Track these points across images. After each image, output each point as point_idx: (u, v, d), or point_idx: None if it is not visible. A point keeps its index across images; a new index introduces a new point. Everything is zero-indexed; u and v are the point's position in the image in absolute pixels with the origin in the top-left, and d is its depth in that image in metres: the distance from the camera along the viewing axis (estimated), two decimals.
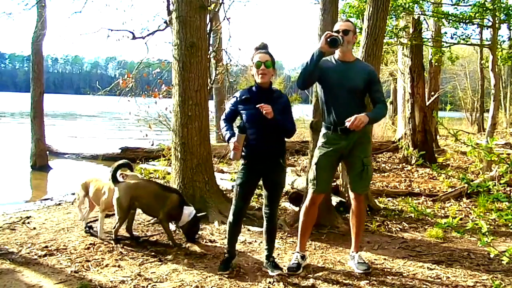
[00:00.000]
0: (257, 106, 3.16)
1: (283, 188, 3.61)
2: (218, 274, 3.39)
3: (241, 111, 3.34)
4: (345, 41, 3.27)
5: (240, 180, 3.38)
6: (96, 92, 8.06)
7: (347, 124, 3.19)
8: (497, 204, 5.18)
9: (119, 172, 4.20)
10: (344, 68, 3.39)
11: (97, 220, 4.49)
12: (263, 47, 3.35)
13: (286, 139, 3.49)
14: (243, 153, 3.33)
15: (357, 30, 9.30)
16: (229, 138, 3.26)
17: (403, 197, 6.20)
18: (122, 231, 4.39)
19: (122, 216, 4.10)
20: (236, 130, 3.24)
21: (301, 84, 3.40)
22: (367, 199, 5.39)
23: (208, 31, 5.68)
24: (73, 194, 6.70)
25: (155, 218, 4.56)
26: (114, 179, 4.10)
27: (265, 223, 3.48)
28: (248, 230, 4.58)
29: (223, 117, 3.45)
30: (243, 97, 3.34)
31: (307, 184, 3.73)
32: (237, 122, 3.44)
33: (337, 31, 3.35)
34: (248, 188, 3.40)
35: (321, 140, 3.51)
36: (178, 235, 4.29)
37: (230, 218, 3.43)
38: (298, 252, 3.61)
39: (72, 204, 5.98)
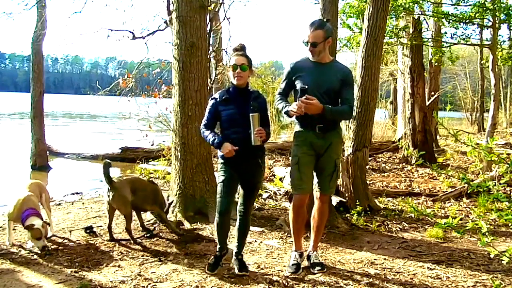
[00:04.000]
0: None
1: (259, 188, 3.64)
2: (217, 274, 3.39)
3: (221, 111, 3.37)
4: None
5: (222, 178, 3.40)
6: (96, 92, 8.06)
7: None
8: (497, 204, 5.18)
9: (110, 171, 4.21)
10: (320, 69, 3.41)
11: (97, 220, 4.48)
12: (240, 49, 3.39)
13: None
14: (221, 153, 3.37)
15: (357, 30, 9.25)
16: (220, 143, 3.27)
17: (403, 197, 6.20)
18: (121, 231, 4.40)
19: (129, 212, 4.13)
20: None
21: None
22: (367, 199, 5.40)
23: (208, 31, 5.69)
24: (73, 194, 6.73)
25: (144, 211, 4.60)
26: (109, 180, 4.09)
27: (238, 220, 3.50)
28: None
29: (203, 123, 3.44)
30: (223, 97, 3.39)
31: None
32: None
33: (307, 42, 3.37)
34: (230, 185, 3.40)
35: (298, 139, 3.50)
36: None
37: (217, 217, 3.44)
38: (296, 251, 3.61)
39: (72, 204, 5.98)
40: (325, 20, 3.55)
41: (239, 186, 3.52)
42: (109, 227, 4.20)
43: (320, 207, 3.58)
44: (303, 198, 3.52)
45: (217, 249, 3.51)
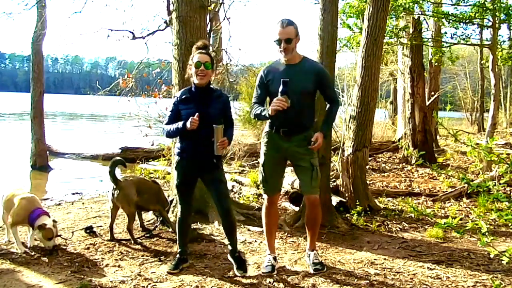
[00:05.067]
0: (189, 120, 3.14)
1: (226, 183, 3.55)
2: (217, 274, 3.39)
3: (181, 110, 3.33)
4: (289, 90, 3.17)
5: (177, 181, 3.42)
6: (96, 92, 8.06)
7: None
8: (497, 204, 5.18)
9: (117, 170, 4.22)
10: (291, 71, 3.33)
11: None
12: (204, 47, 3.35)
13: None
14: (178, 150, 3.38)
15: (357, 30, 9.29)
16: (184, 123, 3.20)
17: (403, 197, 6.20)
18: (121, 231, 4.40)
19: (132, 212, 4.15)
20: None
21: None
22: (367, 199, 5.40)
23: (208, 31, 5.68)
24: (73, 194, 6.74)
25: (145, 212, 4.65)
26: (114, 178, 4.09)
27: (222, 220, 3.48)
28: (248, 230, 4.58)
29: (165, 123, 3.41)
30: (183, 97, 3.35)
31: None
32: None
33: (279, 40, 3.27)
34: (186, 187, 3.41)
35: (264, 139, 3.49)
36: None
37: (178, 218, 3.50)
38: (269, 255, 3.57)
39: (72, 204, 5.99)
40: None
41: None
42: (111, 226, 4.20)
43: (310, 210, 3.54)
44: (271, 199, 3.54)
45: (178, 252, 3.54)
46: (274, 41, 3.31)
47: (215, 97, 3.35)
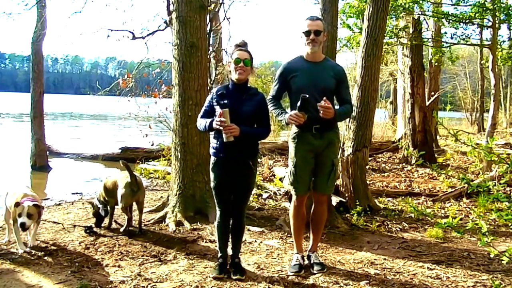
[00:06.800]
0: (215, 125, 3.14)
1: (252, 189, 3.55)
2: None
3: (215, 106, 3.30)
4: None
5: (213, 184, 3.38)
6: (96, 92, 8.07)
7: (320, 108, 3.18)
8: (497, 204, 5.18)
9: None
10: (314, 69, 3.38)
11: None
12: (243, 45, 3.39)
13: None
14: (213, 150, 3.35)
15: (357, 30, 9.31)
16: (211, 123, 3.21)
17: (403, 197, 6.20)
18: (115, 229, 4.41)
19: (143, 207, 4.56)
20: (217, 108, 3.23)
21: None
22: (366, 199, 5.40)
23: (208, 31, 5.68)
24: (73, 194, 6.74)
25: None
26: (135, 177, 4.35)
27: (232, 223, 3.43)
28: (248, 230, 4.57)
29: (199, 116, 3.41)
30: (219, 92, 3.35)
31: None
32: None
33: (308, 32, 3.33)
34: (223, 188, 3.36)
35: (295, 140, 3.47)
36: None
37: (217, 221, 3.43)
38: (297, 254, 3.60)
39: (72, 204, 5.98)
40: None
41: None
42: (131, 219, 4.43)
43: (318, 208, 3.57)
44: (301, 199, 3.53)
45: (219, 257, 3.46)
46: (303, 32, 3.36)
47: (251, 95, 3.34)
